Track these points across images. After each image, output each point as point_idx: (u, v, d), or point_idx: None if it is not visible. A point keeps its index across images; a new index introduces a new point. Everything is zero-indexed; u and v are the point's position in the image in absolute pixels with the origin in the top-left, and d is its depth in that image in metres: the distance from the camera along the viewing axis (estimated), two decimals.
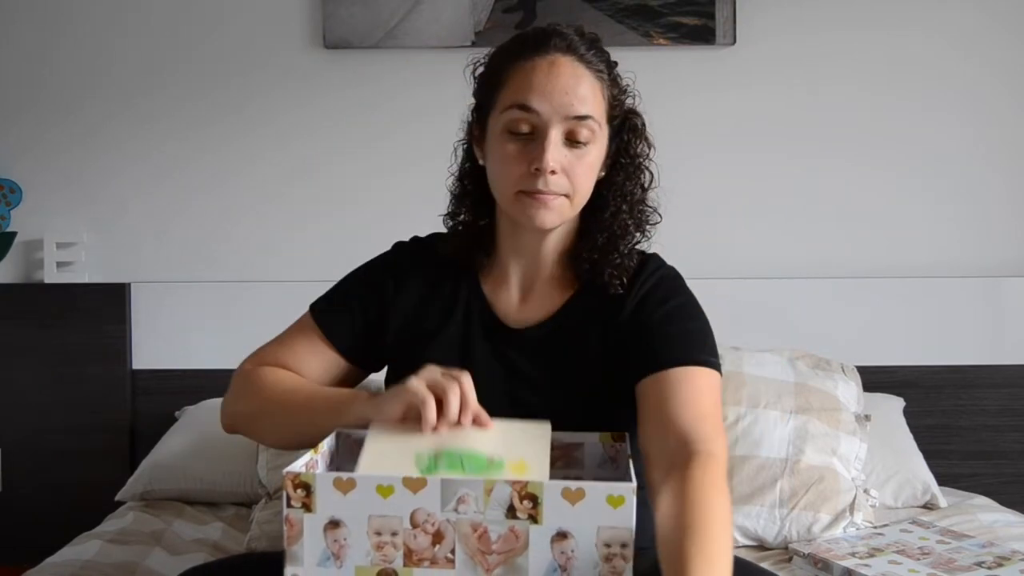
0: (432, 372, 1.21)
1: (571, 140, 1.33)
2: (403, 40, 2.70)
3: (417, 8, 2.68)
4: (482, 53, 1.47)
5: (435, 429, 1.16)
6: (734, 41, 2.70)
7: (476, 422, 1.19)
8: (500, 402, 1.35)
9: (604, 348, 1.41)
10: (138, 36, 2.76)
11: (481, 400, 1.28)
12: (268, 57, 2.76)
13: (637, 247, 1.46)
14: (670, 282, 1.44)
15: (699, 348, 1.35)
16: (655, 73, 2.68)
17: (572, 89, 1.32)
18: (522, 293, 1.46)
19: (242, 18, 2.76)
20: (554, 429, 1.32)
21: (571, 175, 1.33)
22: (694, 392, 1.30)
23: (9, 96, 2.77)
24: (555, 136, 1.32)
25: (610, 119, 1.39)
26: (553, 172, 1.31)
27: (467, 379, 1.20)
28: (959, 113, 2.75)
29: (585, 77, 1.34)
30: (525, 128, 1.33)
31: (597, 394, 1.39)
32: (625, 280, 1.42)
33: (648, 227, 1.46)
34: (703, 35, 2.69)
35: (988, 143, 2.76)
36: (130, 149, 2.77)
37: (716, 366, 1.35)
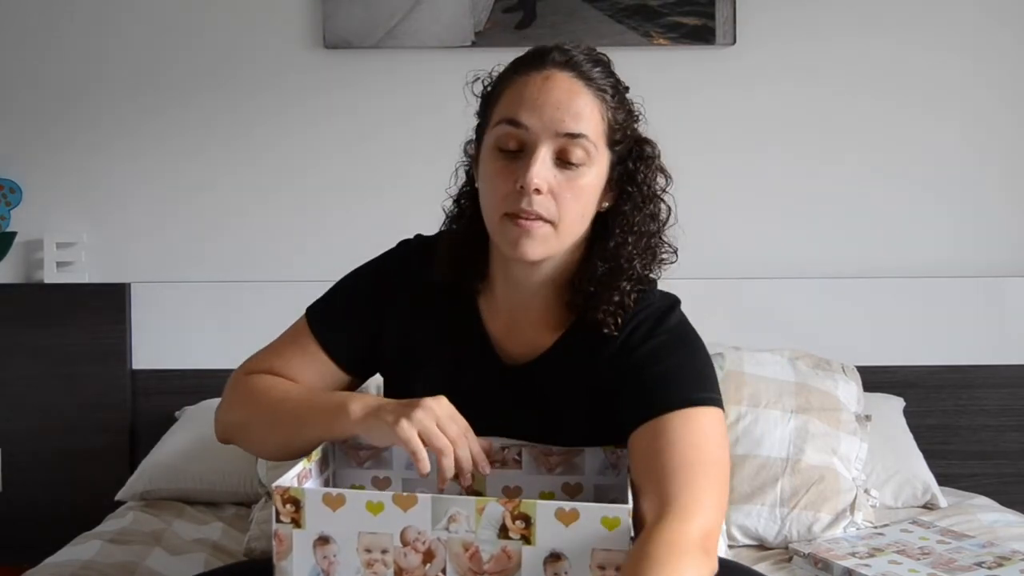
0: (430, 418, 1.15)
1: (563, 160, 1.24)
2: (403, 40, 2.69)
3: (417, 8, 2.67)
4: (483, 67, 1.38)
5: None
6: (734, 41, 2.70)
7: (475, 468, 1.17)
8: (487, 434, 1.30)
9: (592, 391, 1.32)
10: (138, 37, 2.76)
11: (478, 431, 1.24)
12: (268, 57, 2.76)
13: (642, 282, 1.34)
14: (658, 315, 1.33)
15: (689, 385, 1.24)
16: (655, 73, 2.68)
17: (565, 105, 1.23)
18: (513, 325, 1.37)
19: (242, 18, 2.75)
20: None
21: (559, 198, 1.23)
22: (682, 439, 1.18)
23: (9, 96, 2.77)
24: (544, 154, 1.22)
25: (611, 143, 1.28)
26: (538, 191, 1.21)
27: (464, 443, 1.16)
28: (959, 113, 2.75)
29: (582, 94, 1.24)
30: (513, 145, 1.25)
31: (584, 436, 1.32)
32: (620, 321, 1.30)
33: (660, 267, 1.36)
34: (703, 35, 2.68)
35: (988, 143, 2.76)
36: (130, 149, 2.77)
37: (711, 401, 1.23)
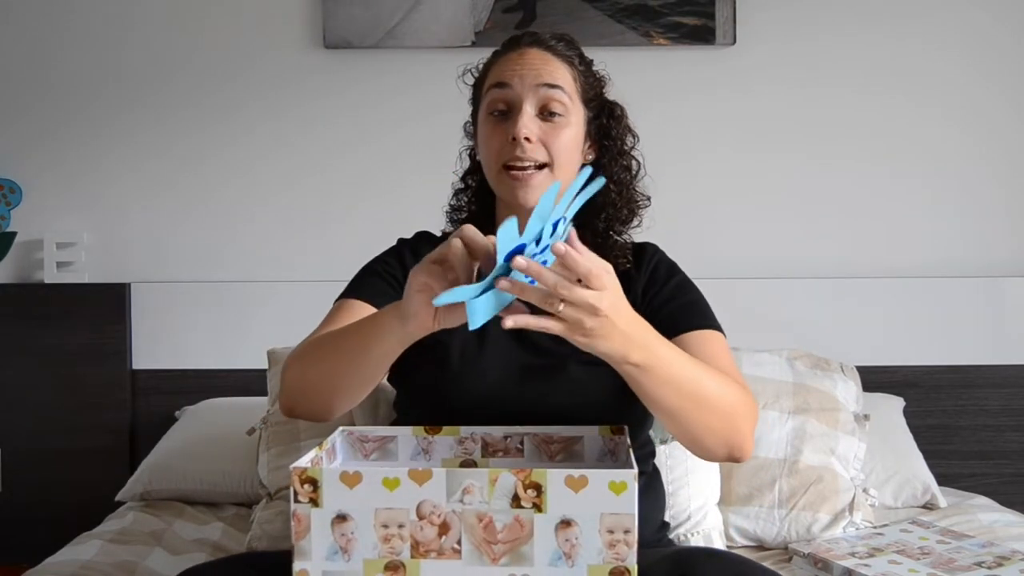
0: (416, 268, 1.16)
1: (545, 112, 1.45)
2: (403, 40, 2.70)
3: (417, 8, 2.68)
4: (473, 61, 1.60)
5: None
6: (734, 41, 2.70)
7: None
8: (517, 378, 1.41)
9: None
10: (138, 36, 2.77)
11: (498, 376, 1.37)
12: (268, 57, 2.76)
13: (634, 232, 1.59)
14: (670, 263, 1.59)
15: (708, 315, 1.50)
16: (655, 73, 2.68)
17: (540, 67, 1.46)
18: None
19: (242, 18, 2.76)
20: (569, 404, 1.40)
21: (548, 145, 1.44)
22: (715, 351, 1.42)
23: (10, 96, 2.77)
24: (528, 108, 1.44)
25: (585, 100, 1.51)
26: (528, 140, 1.42)
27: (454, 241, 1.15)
28: (959, 113, 2.76)
29: (552, 60, 1.48)
30: (502, 106, 1.47)
31: (610, 369, 1.40)
32: (630, 257, 1.55)
33: (639, 211, 1.58)
34: (703, 35, 2.69)
35: (987, 143, 2.77)
36: (130, 149, 2.78)
37: (721, 328, 1.49)
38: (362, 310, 1.45)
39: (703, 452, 1.35)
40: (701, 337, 1.44)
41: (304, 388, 1.40)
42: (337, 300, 1.52)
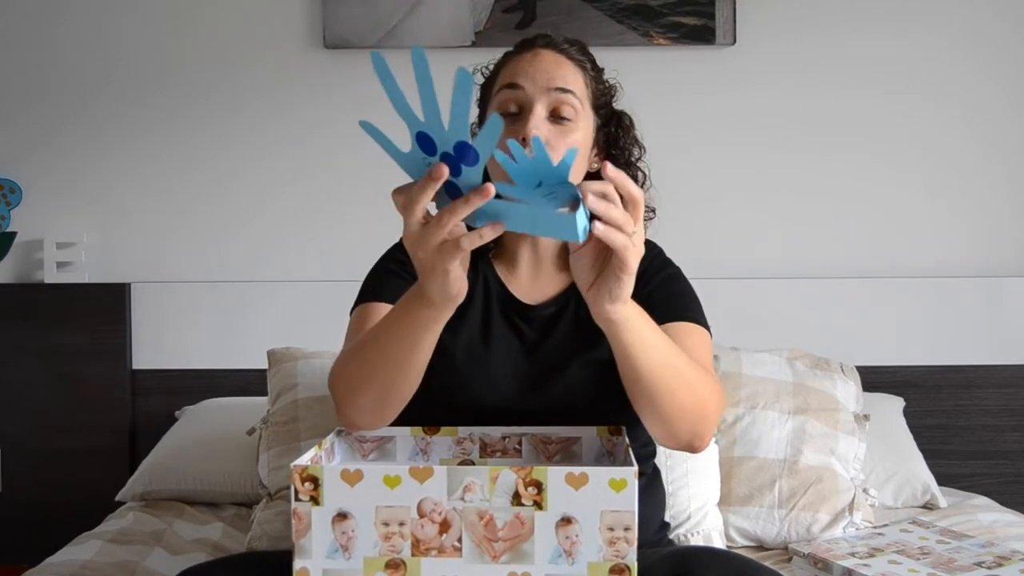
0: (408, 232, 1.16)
1: (556, 116, 1.43)
2: (403, 40, 2.70)
3: (417, 8, 2.68)
4: (483, 61, 1.58)
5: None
6: (734, 41, 2.71)
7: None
8: (519, 374, 1.42)
9: None
10: (138, 36, 2.77)
11: (504, 377, 1.38)
12: (268, 57, 2.76)
13: None
14: (662, 256, 1.58)
15: (694, 309, 1.49)
16: (655, 73, 2.69)
17: (553, 70, 1.44)
18: (531, 273, 1.54)
19: (242, 18, 2.76)
20: (570, 399, 1.40)
21: (555, 149, 1.41)
22: (694, 344, 1.41)
23: (10, 96, 2.77)
24: (539, 110, 1.42)
25: (595, 107, 1.50)
26: None
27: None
28: (959, 112, 2.76)
29: (566, 64, 1.46)
30: (513, 107, 1.44)
31: (611, 364, 1.41)
32: None
33: (645, 223, 1.52)
34: (703, 35, 2.69)
35: (988, 143, 2.77)
36: (130, 149, 2.78)
37: (708, 327, 1.49)
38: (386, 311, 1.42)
39: (668, 435, 1.32)
40: (683, 329, 1.43)
41: (357, 399, 1.34)
42: (357, 307, 1.50)
